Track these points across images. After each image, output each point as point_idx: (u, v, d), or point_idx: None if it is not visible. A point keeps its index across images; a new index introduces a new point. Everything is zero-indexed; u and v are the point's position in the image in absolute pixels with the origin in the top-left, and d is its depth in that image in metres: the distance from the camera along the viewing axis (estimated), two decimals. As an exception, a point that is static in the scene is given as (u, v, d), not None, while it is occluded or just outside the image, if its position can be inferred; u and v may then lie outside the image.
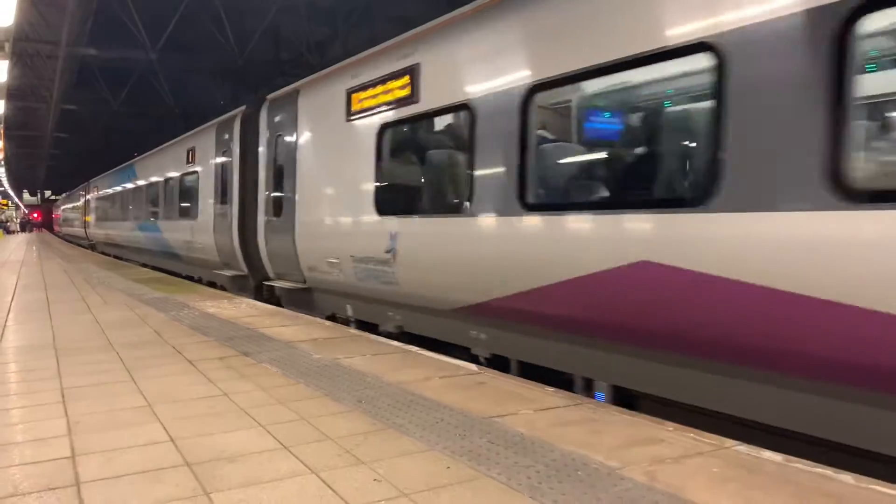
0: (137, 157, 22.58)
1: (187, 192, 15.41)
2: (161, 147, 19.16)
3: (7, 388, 5.06)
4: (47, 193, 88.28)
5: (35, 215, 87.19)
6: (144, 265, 19.76)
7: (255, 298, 10.89)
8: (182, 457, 3.49)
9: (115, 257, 24.74)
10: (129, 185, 22.57)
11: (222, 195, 12.66)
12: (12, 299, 10.85)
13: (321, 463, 3.38)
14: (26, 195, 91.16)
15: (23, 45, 19.50)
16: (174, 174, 16.43)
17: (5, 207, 74.41)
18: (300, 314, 8.89)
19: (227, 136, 12.63)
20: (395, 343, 6.62)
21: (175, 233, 16.24)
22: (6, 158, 39.02)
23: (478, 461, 3.36)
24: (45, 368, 5.68)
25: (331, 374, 5.29)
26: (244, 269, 11.84)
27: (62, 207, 56.24)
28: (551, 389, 4.79)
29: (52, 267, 18.77)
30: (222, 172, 12.75)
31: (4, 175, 49.99)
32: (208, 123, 14.35)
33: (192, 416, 4.21)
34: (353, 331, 7.42)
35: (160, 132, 28.47)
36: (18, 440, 3.86)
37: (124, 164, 24.94)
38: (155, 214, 18.42)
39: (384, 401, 4.49)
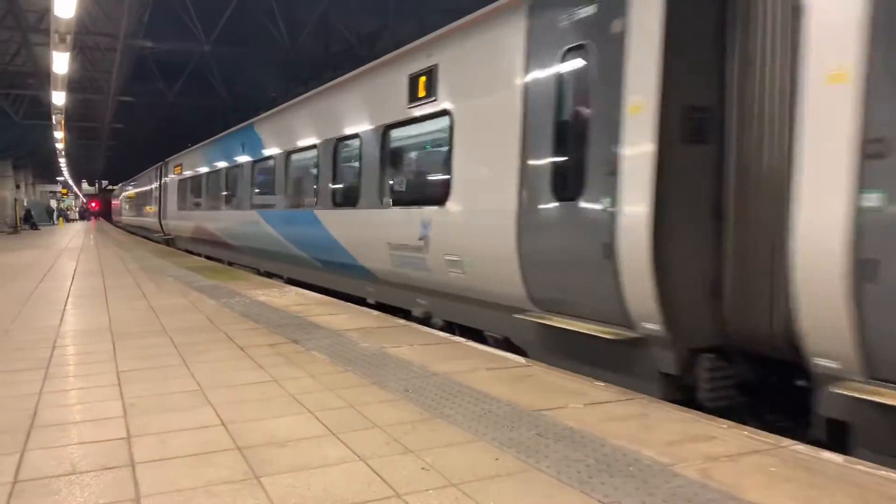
0: (261, 115, 15.14)
1: (404, 155, 8.97)
2: (320, 90, 11.61)
3: (66, 370, 5.21)
4: (104, 183, 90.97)
5: (93, 205, 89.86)
6: (268, 273, 13.93)
7: (671, 397, 4.75)
8: (233, 440, 3.54)
9: (212, 259, 18.15)
10: (245, 159, 15.17)
11: (558, 149, 5.83)
12: (71, 284, 11.19)
13: (369, 450, 3.38)
14: (84, 185, 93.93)
15: (83, 37, 20.04)
16: (361, 127, 9.30)
17: (65, 196, 76.82)
18: (348, 303, 8.87)
19: (603, 11, 5.33)
20: (442, 334, 6.61)
21: (359, 230, 9.33)
22: (66, 149, 40.16)
23: (527, 454, 3.32)
24: (101, 352, 5.84)
25: (378, 362, 5.30)
26: (651, 322, 4.96)
27: (123, 195, 48.71)
28: (601, 384, 4.72)
29: (108, 254, 19.30)
30: (559, 102, 5.85)
31: (65, 165, 51.46)
32: (485, 9, 7.08)
33: (243, 401, 4.27)
34: (399, 321, 7.42)
35: (212, 124, 28.99)
36: (76, 419, 3.97)
37: (234, 129, 17.30)
38: (304, 200, 11.94)
39: (431, 391, 4.48)
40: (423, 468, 3.15)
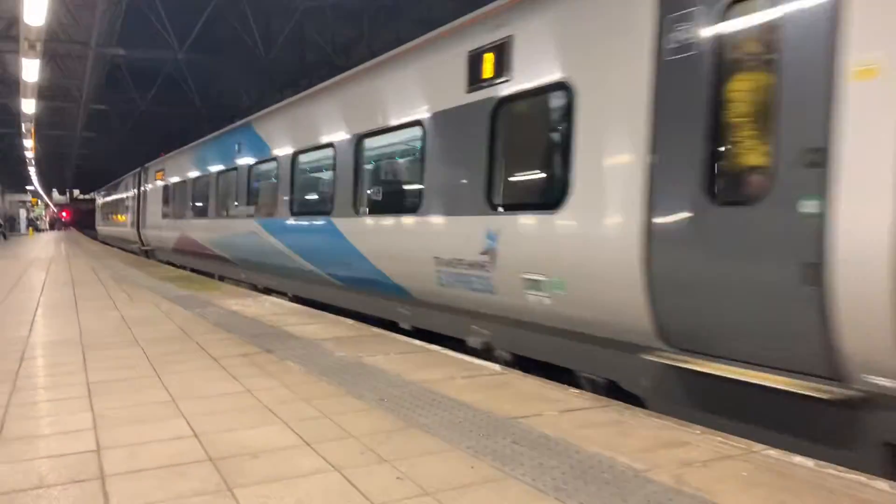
0: None
1: None
2: None
3: (34, 382, 5.12)
4: (75, 192, 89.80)
5: (64, 214, 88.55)
6: None
7: None
8: (206, 452, 3.50)
9: None
10: None
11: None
12: (41, 295, 11.00)
13: (344, 460, 3.36)
14: (56, 195, 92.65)
15: (54, 45, 19.77)
16: None
17: (35, 206, 75.69)
18: (323, 312, 8.84)
19: None
20: (418, 342, 6.60)
21: None
22: (36, 158, 39.54)
23: (502, 461, 3.32)
24: (71, 363, 5.74)
25: (353, 372, 5.27)
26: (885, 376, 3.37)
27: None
28: (575, 391, 4.74)
29: (79, 265, 19.02)
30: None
31: (35, 174, 50.66)
32: None
33: (216, 412, 4.22)
34: (375, 329, 7.40)
35: (185, 132, 28.75)
36: (45, 433, 3.89)
37: None
38: None
39: (407, 399, 4.46)
40: (398, 477, 3.13)
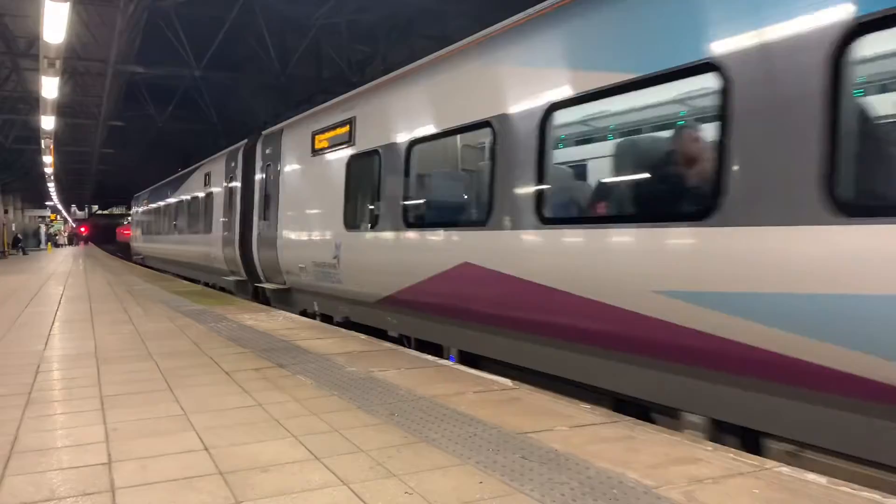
0: None
1: None
2: None
3: (49, 395, 5.16)
4: (94, 208, 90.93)
5: (82, 229, 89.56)
6: None
7: None
8: (216, 465, 3.51)
9: None
10: None
11: None
12: (57, 309, 11.11)
13: (353, 475, 3.36)
14: (76, 211, 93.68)
15: (73, 62, 20.08)
16: None
17: (55, 221, 76.60)
18: (336, 328, 8.86)
19: None
20: (430, 357, 6.59)
21: None
22: (55, 174, 39.98)
23: (511, 477, 3.30)
24: (85, 377, 5.79)
25: (364, 386, 5.28)
26: None
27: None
28: (587, 406, 4.71)
29: (96, 279, 19.19)
30: None
31: (54, 190, 51.21)
32: None
33: (227, 426, 4.24)
34: (387, 344, 7.40)
35: (201, 148, 28.95)
36: (58, 445, 3.92)
37: None
38: None
39: (417, 414, 4.46)
40: (406, 492, 3.13)
